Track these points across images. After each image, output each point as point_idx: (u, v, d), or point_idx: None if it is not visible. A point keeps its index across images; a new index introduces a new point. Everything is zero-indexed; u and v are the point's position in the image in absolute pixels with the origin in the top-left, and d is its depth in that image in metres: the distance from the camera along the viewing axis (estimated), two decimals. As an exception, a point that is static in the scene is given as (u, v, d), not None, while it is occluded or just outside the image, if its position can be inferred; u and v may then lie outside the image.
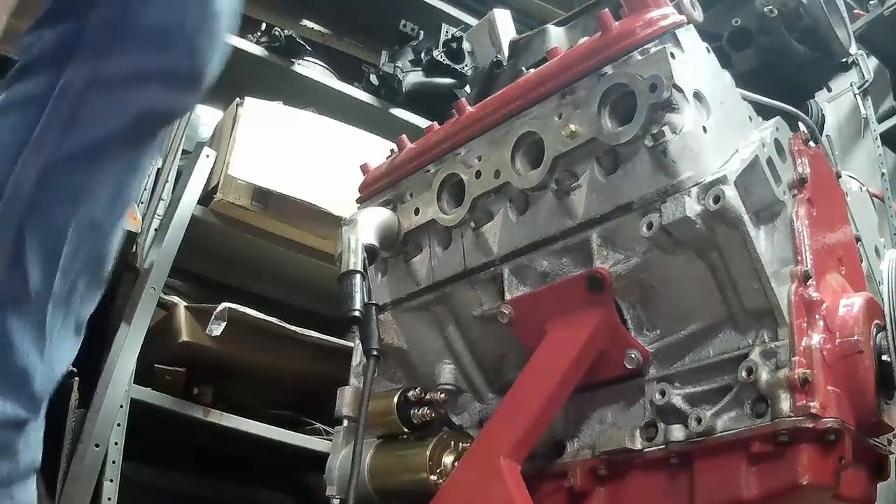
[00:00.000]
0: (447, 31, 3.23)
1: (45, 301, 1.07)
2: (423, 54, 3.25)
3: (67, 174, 1.07)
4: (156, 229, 2.61)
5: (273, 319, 2.58)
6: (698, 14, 1.50)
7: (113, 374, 2.30)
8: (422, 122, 3.04)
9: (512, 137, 1.58)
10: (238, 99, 2.81)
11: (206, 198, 2.71)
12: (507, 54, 2.52)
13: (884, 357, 1.36)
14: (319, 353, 2.64)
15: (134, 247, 2.48)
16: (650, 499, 1.40)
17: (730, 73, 1.58)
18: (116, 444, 2.29)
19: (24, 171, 1.05)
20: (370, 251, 1.63)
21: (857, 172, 3.36)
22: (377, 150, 2.16)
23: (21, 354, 1.05)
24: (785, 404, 1.26)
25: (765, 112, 1.61)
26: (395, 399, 1.66)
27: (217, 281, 3.08)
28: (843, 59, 2.39)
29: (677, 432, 1.36)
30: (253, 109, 2.78)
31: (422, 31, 3.34)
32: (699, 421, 1.33)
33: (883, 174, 3.60)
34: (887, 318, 1.37)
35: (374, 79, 3.24)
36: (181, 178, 2.72)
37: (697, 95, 1.41)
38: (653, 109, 1.37)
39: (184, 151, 2.82)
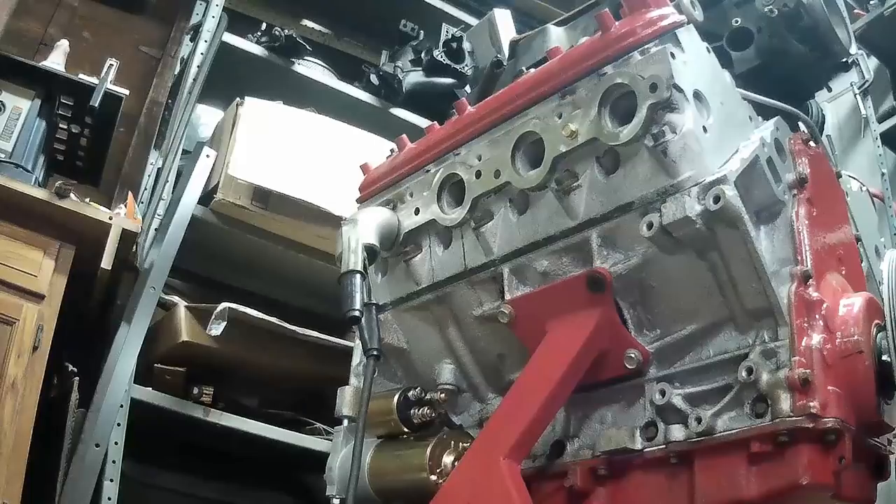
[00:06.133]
0: (447, 31, 3.23)
1: None
2: (423, 54, 3.25)
3: None
4: (156, 229, 2.61)
5: (273, 319, 2.58)
6: (698, 14, 1.50)
7: (113, 374, 2.30)
8: (422, 122, 3.04)
9: (512, 137, 1.58)
10: (238, 99, 2.82)
11: (206, 198, 2.71)
12: (507, 54, 2.52)
13: (884, 357, 1.35)
14: (319, 353, 2.64)
15: (134, 247, 2.48)
16: (650, 499, 1.40)
17: (730, 73, 1.58)
18: (116, 443, 2.29)
19: None
20: (370, 251, 1.63)
21: (857, 172, 3.36)
22: (377, 150, 2.16)
23: None
24: (785, 404, 1.26)
25: (765, 112, 1.61)
26: (395, 399, 1.66)
27: (217, 281, 3.08)
28: (843, 59, 2.39)
29: (677, 432, 1.36)
30: (253, 109, 2.78)
31: (422, 31, 3.34)
32: (699, 421, 1.33)
33: (883, 174, 3.60)
34: (887, 318, 1.37)
35: (374, 79, 3.24)
36: (181, 177, 2.72)
37: (697, 95, 1.41)
38: (653, 109, 1.37)
39: (184, 151, 2.82)
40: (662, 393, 1.40)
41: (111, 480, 2.25)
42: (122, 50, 3.13)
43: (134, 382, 2.38)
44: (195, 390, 2.51)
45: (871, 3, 3.69)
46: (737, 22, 2.19)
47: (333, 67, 3.32)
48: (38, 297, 2.18)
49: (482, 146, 1.64)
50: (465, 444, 1.60)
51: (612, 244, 1.46)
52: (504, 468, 1.36)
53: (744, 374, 1.31)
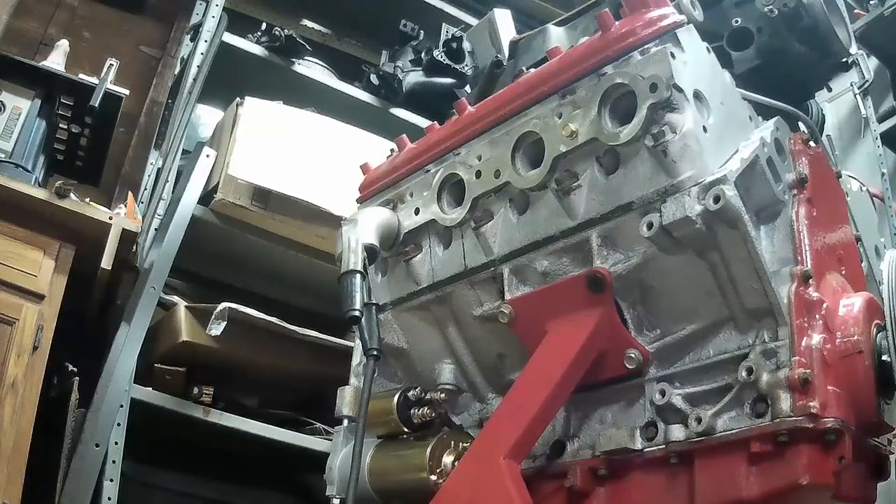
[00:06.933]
0: (447, 31, 3.23)
1: None
2: (423, 54, 3.25)
3: None
4: (156, 229, 2.61)
5: (273, 319, 2.58)
6: (698, 14, 1.50)
7: (113, 373, 2.30)
8: (422, 122, 3.04)
9: (512, 137, 1.58)
10: (238, 99, 2.82)
11: (206, 197, 2.71)
12: (507, 54, 2.52)
13: (884, 357, 1.35)
14: (319, 353, 2.64)
15: (134, 246, 2.48)
16: (650, 499, 1.40)
17: (730, 73, 1.58)
18: (116, 443, 2.29)
19: None
20: (370, 251, 1.63)
21: (857, 172, 3.36)
22: (377, 150, 2.16)
23: None
24: (785, 404, 1.26)
25: (765, 112, 1.61)
26: (395, 399, 1.66)
27: (217, 281, 3.08)
28: (843, 59, 2.39)
29: (677, 432, 1.36)
30: (253, 109, 2.79)
31: (422, 31, 3.34)
32: (699, 421, 1.33)
33: (883, 174, 3.60)
34: (887, 318, 1.37)
35: (374, 79, 3.24)
36: (181, 177, 2.72)
37: (697, 95, 1.41)
38: (653, 109, 1.37)
39: (184, 151, 2.82)
40: (662, 393, 1.40)
41: (111, 480, 2.25)
42: (122, 50, 3.13)
43: (134, 382, 2.38)
44: (195, 390, 2.51)
45: (871, 3, 3.69)
46: (737, 22, 2.19)
47: (333, 67, 3.32)
48: (38, 297, 2.18)
49: (482, 146, 1.64)
50: (465, 444, 1.60)
51: (612, 244, 1.46)
52: (504, 468, 1.36)
53: (744, 374, 1.31)
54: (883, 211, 3.46)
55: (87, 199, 2.34)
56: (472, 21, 3.49)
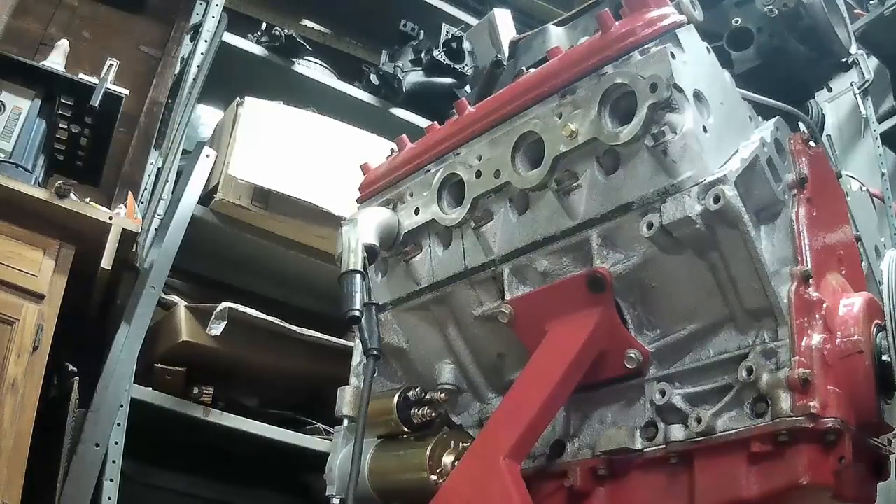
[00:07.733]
0: (447, 31, 3.23)
1: None
2: (423, 54, 3.25)
3: None
4: (156, 229, 2.61)
5: (273, 319, 2.58)
6: (698, 14, 1.50)
7: (113, 373, 2.30)
8: (422, 122, 3.04)
9: (512, 137, 1.58)
10: (238, 99, 2.82)
11: (206, 197, 2.71)
12: (507, 54, 2.52)
13: (884, 357, 1.35)
14: (319, 353, 2.65)
15: (134, 246, 2.48)
16: (650, 499, 1.40)
17: (730, 73, 1.58)
18: (116, 443, 2.29)
19: None
20: (370, 251, 1.63)
21: (857, 172, 3.36)
22: (377, 150, 2.16)
23: None
24: (785, 404, 1.26)
25: (765, 112, 1.61)
26: (395, 399, 1.66)
27: (217, 281, 3.08)
28: (843, 59, 2.39)
29: (677, 432, 1.36)
30: (253, 109, 2.79)
31: (422, 31, 3.34)
32: (699, 421, 1.33)
33: (883, 174, 3.60)
34: (887, 318, 1.37)
35: (374, 78, 3.24)
36: (181, 177, 2.72)
37: (697, 95, 1.41)
38: (653, 109, 1.37)
39: (184, 151, 2.82)
40: (662, 393, 1.40)
41: (111, 480, 2.26)
42: (122, 50, 3.13)
43: (134, 382, 2.38)
44: (195, 390, 2.51)
45: (871, 3, 3.68)
46: (737, 22, 2.19)
47: (333, 67, 3.32)
48: (38, 297, 2.18)
49: (482, 146, 1.64)
50: (465, 444, 1.60)
51: (612, 244, 1.46)
52: (504, 468, 1.36)
53: (744, 374, 1.31)
54: (883, 211, 3.46)
55: (87, 199, 2.34)
56: (472, 21, 3.49)
